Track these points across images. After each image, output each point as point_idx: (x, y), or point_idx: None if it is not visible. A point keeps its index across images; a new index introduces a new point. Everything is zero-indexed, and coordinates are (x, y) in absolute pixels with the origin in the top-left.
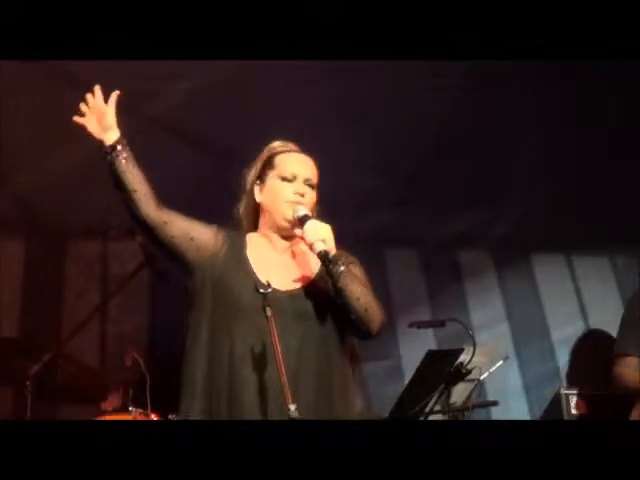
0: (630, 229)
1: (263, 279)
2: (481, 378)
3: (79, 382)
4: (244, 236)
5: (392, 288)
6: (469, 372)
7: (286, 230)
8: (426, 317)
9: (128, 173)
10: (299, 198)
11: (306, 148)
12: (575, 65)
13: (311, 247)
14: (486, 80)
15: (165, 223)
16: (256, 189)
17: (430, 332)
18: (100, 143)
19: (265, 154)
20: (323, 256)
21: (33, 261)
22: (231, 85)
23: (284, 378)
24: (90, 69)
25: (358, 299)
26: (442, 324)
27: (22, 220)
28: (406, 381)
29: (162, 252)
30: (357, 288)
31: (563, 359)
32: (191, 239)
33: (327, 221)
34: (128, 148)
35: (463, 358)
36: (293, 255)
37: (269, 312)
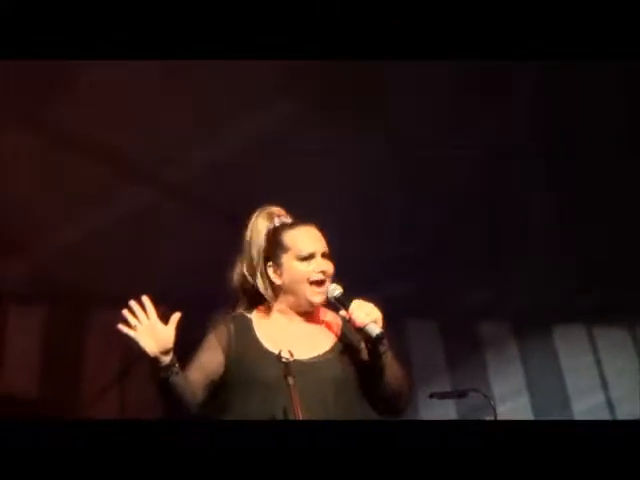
0: None
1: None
2: None
3: None
4: (248, 317)
5: (412, 358)
6: None
7: (308, 309)
8: (446, 387)
9: (179, 384)
10: (322, 276)
11: (323, 216)
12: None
13: (362, 330)
14: (501, 147)
15: (201, 392)
16: (270, 270)
17: (451, 402)
18: (149, 357)
19: (269, 232)
20: (381, 339)
21: (54, 329)
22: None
23: None
24: (111, 134)
25: (397, 379)
26: (463, 395)
27: (44, 289)
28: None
29: None
30: (396, 367)
31: None
32: (210, 377)
33: (348, 291)
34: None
35: None
36: (308, 328)
37: (291, 381)
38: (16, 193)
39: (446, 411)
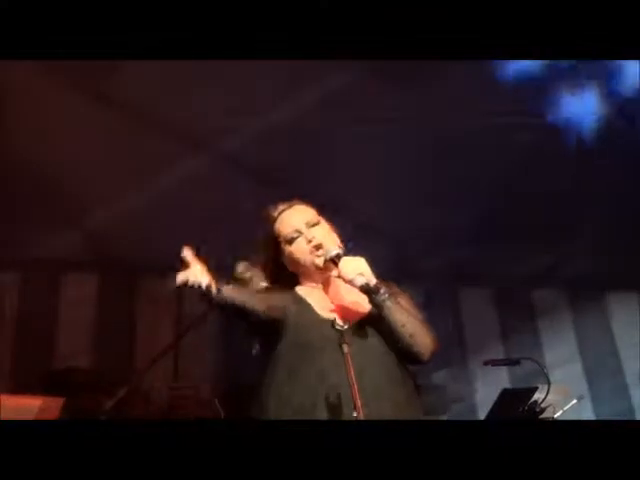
0: None
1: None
2: (555, 417)
3: (151, 417)
4: (295, 290)
5: (466, 326)
6: (543, 411)
7: (323, 274)
8: (500, 355)
9: (234, 295)
10: (315, 242)
11: (380, 186)
12: None
13: (351, 283)
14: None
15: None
16: (286, 261)
17: (504, 370)
18: (201, 288)
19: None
20: (366, 288)
21: (106, 298)
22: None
23: (360, 412)
24: (166, 110)
25: (403, 326)
26: (517, 362)
27: (96, 258)
28: (481, 419)
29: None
30: (401, 315)
31: (637, 398)
32: (270, 315)
33: (402, 259)
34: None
35: (537, 397)
36: (333, 292)
37: (346, 349)
38: (69, 164)
39: (500, 378)
